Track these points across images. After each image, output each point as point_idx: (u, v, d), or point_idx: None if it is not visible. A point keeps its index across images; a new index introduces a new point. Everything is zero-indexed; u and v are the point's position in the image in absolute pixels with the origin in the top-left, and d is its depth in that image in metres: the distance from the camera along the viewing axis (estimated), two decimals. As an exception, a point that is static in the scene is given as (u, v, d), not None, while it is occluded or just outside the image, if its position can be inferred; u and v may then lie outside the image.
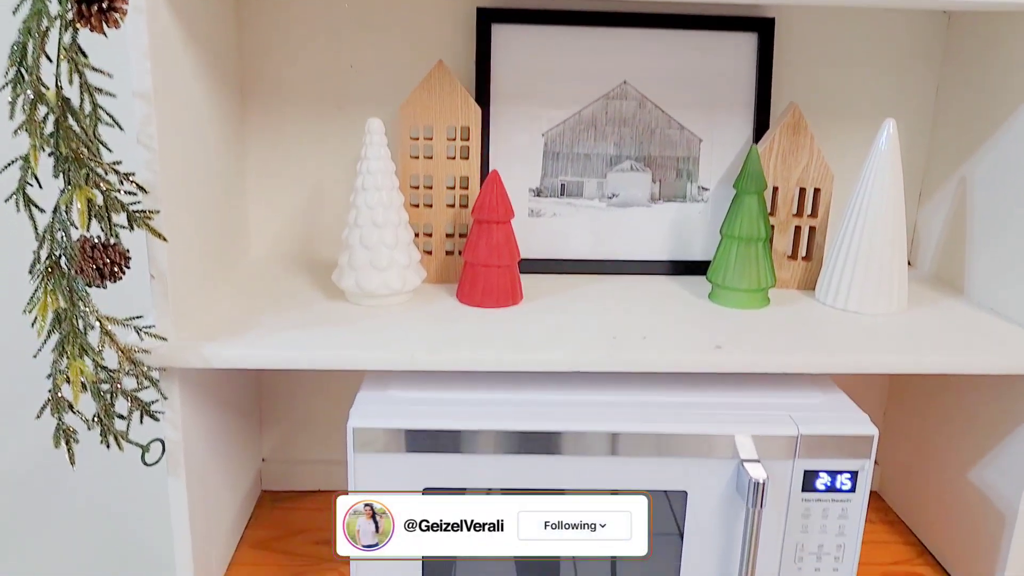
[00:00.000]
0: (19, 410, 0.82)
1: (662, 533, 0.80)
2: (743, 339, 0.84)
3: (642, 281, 1.01)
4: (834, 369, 0.82)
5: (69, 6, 0.62)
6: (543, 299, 0.94)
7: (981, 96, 0.97)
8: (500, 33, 0.99)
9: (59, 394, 0.70)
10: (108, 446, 0.73)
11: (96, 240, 0.68)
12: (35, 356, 0.70)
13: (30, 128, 0.64)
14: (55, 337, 0.69)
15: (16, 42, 0.62)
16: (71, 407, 0.70)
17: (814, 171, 0.97)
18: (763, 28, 1.01)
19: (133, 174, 0.70)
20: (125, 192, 0.69)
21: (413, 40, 1.01)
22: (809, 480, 0.78)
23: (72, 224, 0.67)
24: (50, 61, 0.64)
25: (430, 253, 0.98)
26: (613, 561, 0.81)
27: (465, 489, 0.79)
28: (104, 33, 0.64)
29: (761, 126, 1.02)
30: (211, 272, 0.90)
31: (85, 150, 0.66)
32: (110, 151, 0.69)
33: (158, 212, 0.72)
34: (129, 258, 0.70)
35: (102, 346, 0.70)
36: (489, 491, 0.79)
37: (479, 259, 0.90)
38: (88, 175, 0.66)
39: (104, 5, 0.62)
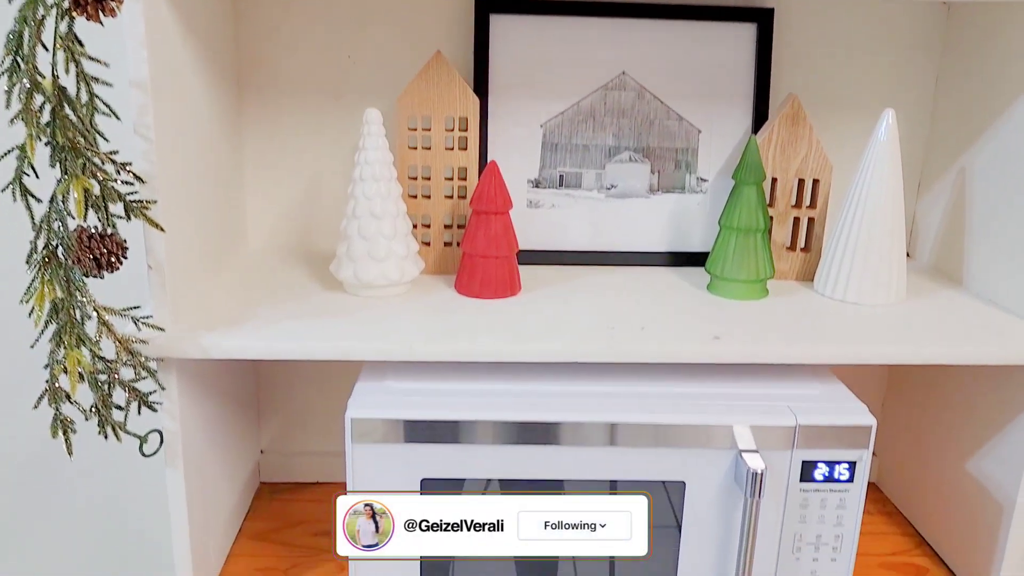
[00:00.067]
0: (17, 400, 0.82)
1: (660, 524, 0.80)
2: (742, 330, 0.84)
3: (641, 272, 1.01)
4: (832, 360, 0.82)
5: (65, -6, 0.62)
6: (541, 290, 0.94)
7: (980, 87, 0.97)
8: (498, 23, 0.99)
9: (56, 384, 0.70)
10: (106, 437, 0.73)
11: (93, 230, 0.68)
12: (32, 346, 0.70)
13: (26, 117, 0.63)
14: (52, 327, 0.69)
15: (12, 31, 0.62)
16: (68, 397, 0.70)
17: (813, 162, 0.97)
18: (762, 18, 1.01)
19: (130, 164, 0.70)
20: (122, 182, 0.69)
21: (411, 31, 1.00)
22: (807, 470, 0.78)
23: (69, 214, 0.67)
24: (46, 50, 0.64)
25: (428, 244, 0.98)
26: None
27: (464, 480, 0.79)
28: (100, 22, 0.64)
29: (760, 117, 1.02)
30: (209, 263, 0.90)
31: (82, 139, 0.66)
32: (107, 141, 0.68)
33: (155, 202, 0.72)
34: (126, 248, 0.69)
35: (99, 336, 0.70)
36: (488, 483, 0.79)
37: (477, 250, 0.90)
38: (85, 165, 0.66)
39: (100, -7, 0.61)
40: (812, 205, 0.99)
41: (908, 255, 1.09)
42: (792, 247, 1.00)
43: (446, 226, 0.98)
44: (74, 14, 0.63)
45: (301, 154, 1.04)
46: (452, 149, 0.96)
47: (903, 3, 1.03)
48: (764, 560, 0.81)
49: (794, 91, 1.00)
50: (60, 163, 0.66)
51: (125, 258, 0.69)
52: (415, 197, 0.96)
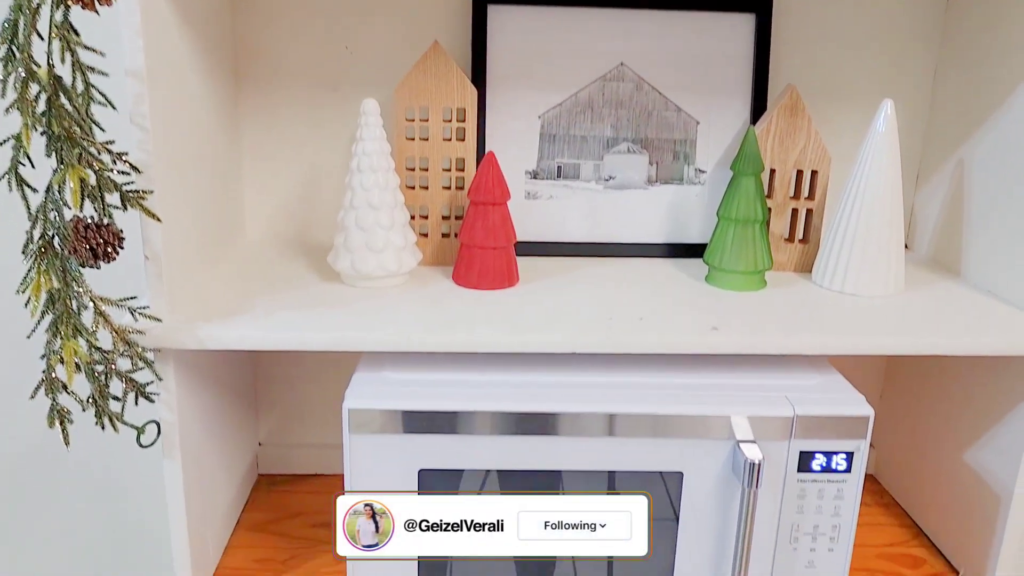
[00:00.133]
0: (15, 392, 0.82)
1: (658, 515, 0.79)
2: (740, 321, 0.84)
3: (639, 264, 1.01)
4: (830, 350, 0.82)
5: (60, -17, 0.62)
6: (539, 281, 0.94)
7: (979, 78, 0.97)
8: (496, 14, 0.99)
9: (53, 374, 0.70)
10: (103, 427, 0.73)
11: (89, 220, 0.67)
12: (29, 336, 0.70)
13: (22, 107, 0.63)
14: (49, 317, 0.69)
15: (7, 19, 0.62)
16: (65, 387, 0.70)
17: (811, 153, 0.97)
18: (761, 9, 1.01)
19: (126, 154, 0.70)
20: (118, 172, 0.69)
21: (409, 21, 1.00)
22: (805, 461, 0.78)
23: (65, 204, 0.67)
24: (41, 39, 0.64)
25: (426, 235, 0.98)
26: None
27: (462, 471, 0.79)
28: (96, 11, 0.63)
29: (759, 108, 1.02)
30: (206, 254, 0.90)
31: (78, 129, 0.65)
32: (103, 130, 0.68)
33: (151, 192, 0.72)
34: (123, 239, 0.69)
35: (96, 327, 0.70)
36: (486, 475, 0.79)
37: (475, 241, 0.89)
38: (81, 154, 0.66)
39: (96, -18, 0.61)
40: (810, 196, 0.99)
41: (907, 247, 1.09)
42: (790, 238, 1.00)
43: (444, 217, 0.98)
44: (69, 3, 0.63)
45: (299, 145, 1.04)
46: (450, 140, 0.95)
47: (902, -6, 1.03)
48: (762, 550, 0.81)
49: (793, 82, 1.00)
50: (56, 153, 0.65)
51: (121, 248, 0.69)
52: (413, 188, 0.96)
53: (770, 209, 0.97)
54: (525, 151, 1.01)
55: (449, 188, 0.97)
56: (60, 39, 0.64)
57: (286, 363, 1.12)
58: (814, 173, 0.98)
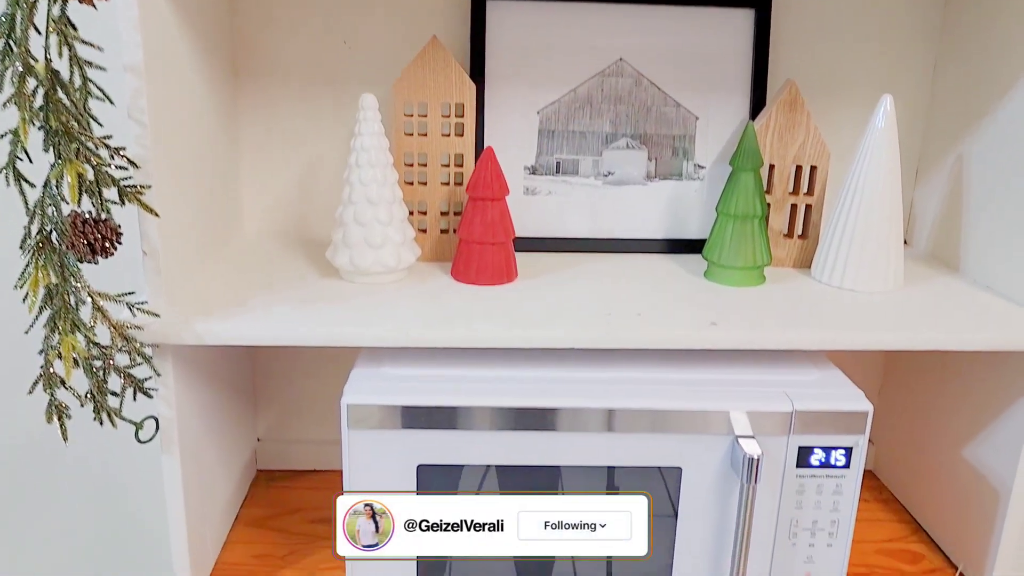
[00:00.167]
0: (13, 387, 0.82)
1: (657, 511, 0.79)
2: (738, 316, 0.84)
3: (637, 259, 1.01)
4: (829, 346, 0.82)
5: (57, -23, 0.61)
6: (538, 277, 0.94)
7: (979, 72, 0.97)
8: (495, 9, 0.98)
9: (51, 370, 0.70)
10: (101, 423, 0.73)
11: (87, 215, 0.67)
12: (27, 332, 0.69)
13: (19, 101, 0.63)
14: (47, 313, 0.69)
15: (4, 13, 0.62)
16: (63, 383, 0.70)
17: (810, 148, 0.97)
18: (760, 4, 1.00)
19: (124, 148, 0.69)
20: (116, 167, 0.69)
21: (407, 16, 1.00)
22: (804, 456, 0.78)
23: (63, 199, 0.67)
24: (39, 33, 0.63)
25: (424, 231, 0.98)
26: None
27: (461, 467, 0.79)
28: (94, 5, 0.63)
29: (758, 104, 1.02)
30: (204, 249, 0.89)
31: (75, 124, 0.65)
32: (100, 125, 0.68)
33: (149, 187, 0.72)
34: (120, 234, 0.69)
35: (94, 322, 0.70)
36: (486, 470, 0.79)
37: (474, 236, 0.89)
38: (79, 149, 0.66)
39: (93, -24, 0.61)
40: (809, 192, 0.99)
41: (906, 242, 1.09)
42: (789, 234, 1.00)
43: (442, 213, 0.98)
44: (67, -3, 0.62)
45: (297, 140, 1.04)
46: (448, 135, 0.95)
47: (901, -11, 1.03)
48: (760, 546, 0.81)
49: (792, 77, 1.00)
50: (53, 147, 0.65)
51: (119, 243, 0.69)
52: (411, 184, 0.96)
53: (769, 205, 0.97)
54: (524, 147, 1.01)
55: (448, 184, 0.97)
56: (57, 33, 0.64)
57: (285, 359, 1.12)
58: (813, 168, 0.98)
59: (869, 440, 0.80)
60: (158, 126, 0.73)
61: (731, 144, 1.02)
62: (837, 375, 0.84)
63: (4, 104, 0.63)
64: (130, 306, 0.73)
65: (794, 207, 0.99)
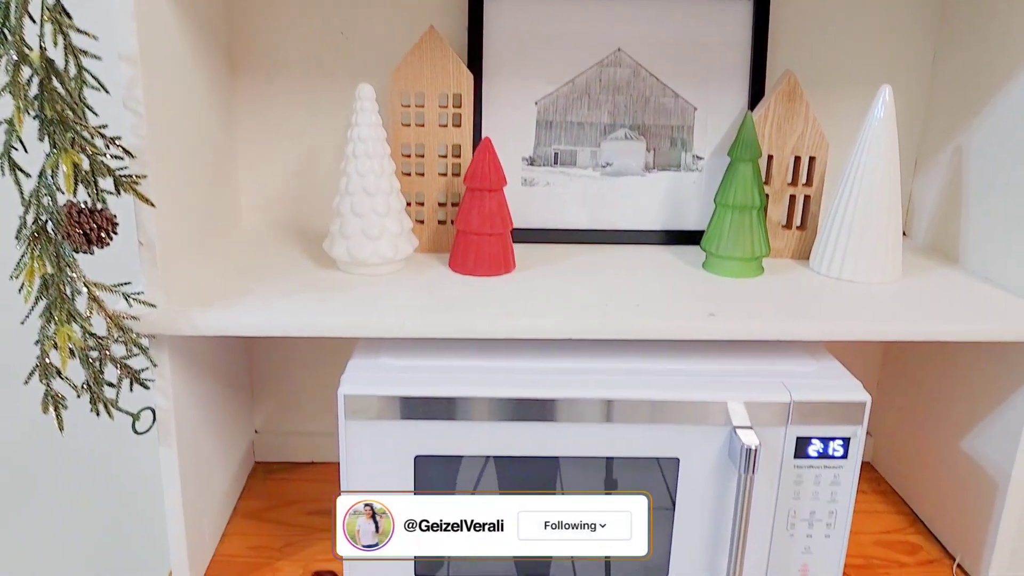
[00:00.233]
0: (9, 377, 0.82)
1: (655, 503, 0.79)
2: (737, 307, 0.84)
3: (636, 251, 1.01)
4: (827, 336, 0.82)
5: (52, -35, 0.61)
6: (536, 268, 0.93)
7: (978, 63, 0.97)
8: (492, -1, 0.98)
9: (47, 360, 0.69)
10: (98, 414, 0.73)
11: (83, 205, 0.67)
12: (23, 322, 0.69)
13: (14, 90, 0.63)
14: (43, 303, 0.68)
15: (-2, 1, 0.61)
16: (59, 373, 0.70)
17: (809, 139, 0.96)
18: (759, -5, 1.00)
19: (119, 138, 0.69)
20: (112, 156, 0.68)
21: (404, 6, 0.99)
22: (801, 447, 0.78)
23: (58, 189, 0.67)
24: (33, 22, 0.63)
25: (422, 222, 0.97)
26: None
27: (459, 457, 0.78)
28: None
29: (756, 94, 1.01)
30: (201, 240, 0.89)
31: (70, 113, 0.65)
32: (96, 115, 0.68)
33: (145, 177, 0.71)
34: (116, 224, 0.69)
35: (90, 312, 0.70)
36: (485, 462, 0.79)
37: (471, 227, 0.89)
38: (74, 139, 0.65)
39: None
40: (808, 183, 0.98)
41: (905, 234, 1.09)
42: (788, 225, 1.00)
43: (440, 204, 0.97)
44: (61, -15, 0.62)
45: (294, 131, 1.03)
46: (446, 126, 0.95)
47: (901, -21, 1.03)
48: (758, 536, 0.81)
49: (791, 68, 0.99)
50: (49, 137, 0.65)
51: (115, 233, 0.69)
52: (409, 175, 0.96)
53: (767, 196, 0.97)
54: (522, 138, 1.01)
55: (445, 175, 0.96)
56: (52, 22, 0.63)
57: (282, 351, 1.12)
58: (812, 159, 0.97)
59: (867, 432, 0.80)
60: (154, 116, 0.73)
61: (730, 135, 1.01)
62: (835, 366, 0.84)
63: (-1, 93, 0.63)
64: (126, 296, 0.73)
65: (793, 198, 0.99)
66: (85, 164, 0.66)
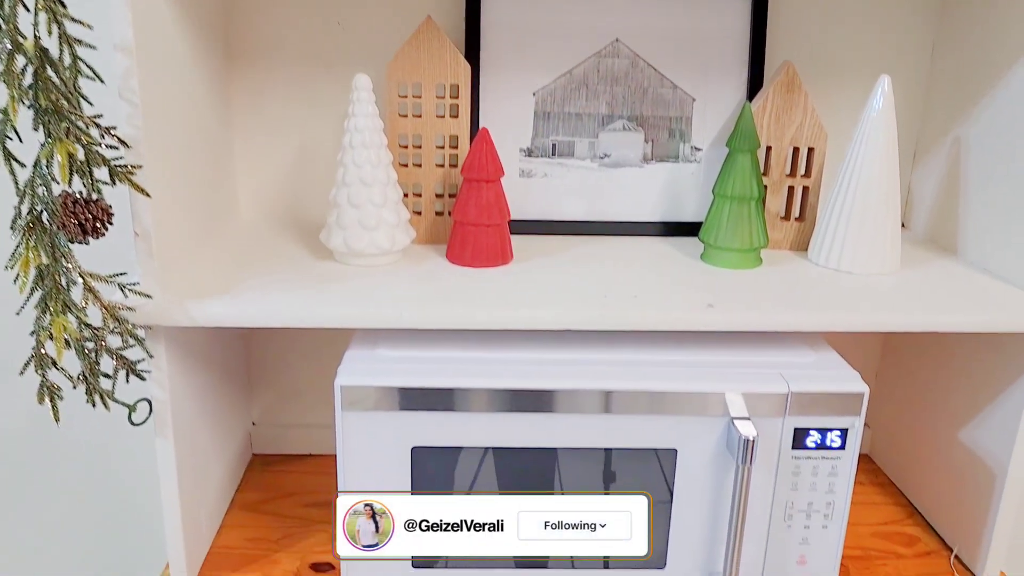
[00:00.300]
0: (5, 369, 0.81)
1: (654, 495, 0.79)
2: (735, 298, 0.84)
3: (634, 242, 1.01)
4: (825, 327, 0.81)
5: (45, -47, 0.61)
6: (534, 259, 0.93)
7: (977, 54, 0.96)
8: (490, -11, 0.98)
9: (42, 350, 0.69)
10: (94, 405, 0.73)
11: (78, 195, 0.67)
12: (18, 313, 0.69)
13: (8, 79, 0.62)
14: (38, 293, 0.68)
15: (-9, -10, 0.61)
16: (54, 363, 0.69)
17: (808, 130, 0.96)
18: (757, -15, 1.00)
19: (115, 127, 0.69)
20: (107, 146, 0.68)
21: (402, -4, 0.99)
22: (799, 437, 0.78)
23: (53, 179, 0.66)
24: (27, 10, 0.63)
25: (419, 213, 0.97)
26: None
27: (457, 448, 0.78)
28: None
29: (755, 85, 1.01)
30: (197, 231, 0.89)
31: (65, 102, 0.65)
32: (91, 104, 0.67)
33: (140, 167, 0.71)
34: (112, 214, 0.69)
35: (85, 303, 0.70)
36: (484, 453, 0.79)
37: (468, 218, 0.89)
38: (69, 128, 0.65)
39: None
40: (807, 174, 0.98)
41: (903, 225, 1.09)
42: (786, 216, 0.99)
43: (437, 195, 0.97)
44: (55, -27, 0.62)
45: (291, 122, 1.03)
46: (443, 117, 0.94)
47: (900, -31, 1.02)
48: (756, 527, 0.81)
49: (789, 58, 0.99)
50: (43, 126, 0.65)
51: (111, 224, 0.69)
52: (406, 166, 0.95)
53: (766, 187, 0.97)
54: (519, 129, 1.01)
55: (443, 166, 0.96)
56: (46, 11, 0.63)
57: (279, 343, 1.12)
58: (810, 150, 0.97)
59: (865, 424, 0.80)
60: (149, 106, 0.73)
61: (728, 126, 1.01)
62: (833, 357, 0.84)
63: (-8, 82, 0.62)
64: (122, 287, 0.73)
65: (791, 189, 0.98)
66: (80, 154, 0.66)
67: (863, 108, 0.90)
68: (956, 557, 0.96)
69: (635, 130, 1.01)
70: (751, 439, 0.75)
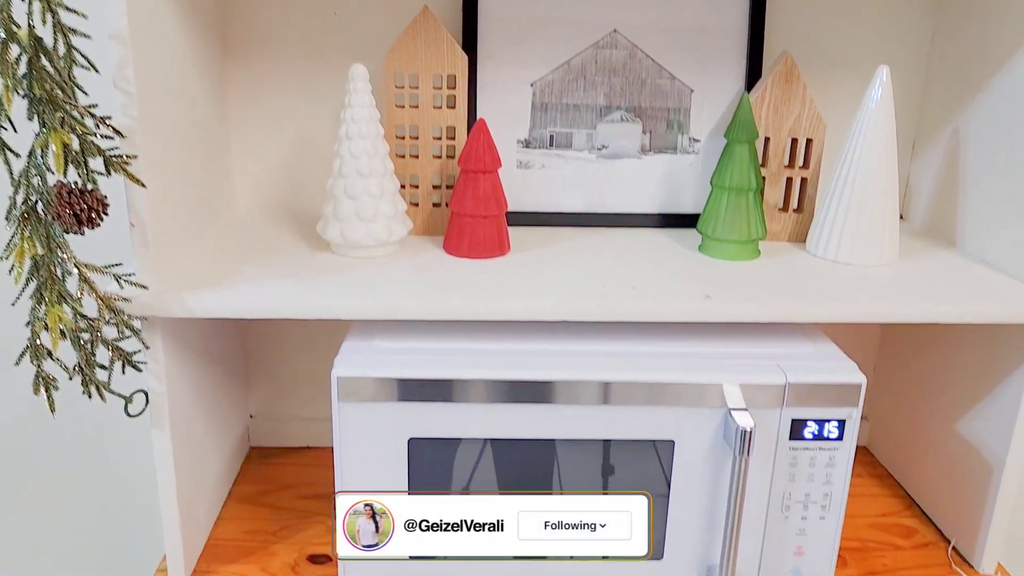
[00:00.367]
0: (1, 359, 0.81)
1: (650, 485, 0.79)
2: (733, 289, 0.83)
3: (632, 233, 1.01)
4: (822, 318, 0.81)
5: (39, -60, 0.60)
6: (531, 251, 0.93)
7: (975, 45, 0.96)
8: (487, -21, 0.97)
9: (38, 341, 0.69)
10: (89, 396, 0.73)
11: (73, 185, 0.66)
12: (14, 304, 0.69)
13: (2, 69, 0.62)
14: (33, 284, 0.68)
15: (-16, -22, 0.61)
16: (50, 354, 0.69)
17: (806, 121, 0.96)
18: (756, -25, 0.99)
19: (110, 117, 0.68)
20: (102, 136, 0.68)
21: (399, -13, 0.98)
22: (797, 428, 0.78)
23: (48, 169, 0.66)
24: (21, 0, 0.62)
25: (416, 205, 0.97)
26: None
27: (456, 439, 0.78)
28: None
29: (753, 76, 1.01)
30: (193, 221, 0.88)
31: (60, 92, 0.64)
32: (86, 94, 0.67)
33: (136, 157, 0.71)
34: (107, 204, 0.68)
35: (81, 294, 0.69)
36: (482, 447, 0.79)
37: (466, 209, 0.88)
38: (63, 118, 0.65)
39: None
40: (805, 165, 0.98)
41: (902, 217, 1.09)
42: (784, 208, 0.99)
43: (434, 186, 0.97)
44: (49, -38, 0.61)
45: (287, 113, 1.02)
46: (440, 108, 0.94)
47: (899, -40, 1.02)
48: (753, 519, 0.81)
49: (788, 49, 0.98)
50: (38, 116, 0.64)
51: (106, 214, 0.68)
52: (403, 157, 0.95)
53: (764, 178, 0.96)
54: (517, 120, 1.00)
55: (440, 157, 0.96)
56: (40, 0, 0.63)
57: (277, 335, 1.12)
58: (809, 141, 0.97)
59: (863, 416, 0.80)
60: (144, 96, 0.72)
61: (726, 117, 1.01)
62: (831, 348, 0.84)
63: (-14, 71, 0.62)
64: (117, 278, 0.72)
65: (789, 180, 0.98)
66: (75, 144, 0.66)
67: (862, 99, 0.90)
68: (953, 548, 0.96)
69: (633, 121, 1.01)
70: (748, 430, 0.75)
